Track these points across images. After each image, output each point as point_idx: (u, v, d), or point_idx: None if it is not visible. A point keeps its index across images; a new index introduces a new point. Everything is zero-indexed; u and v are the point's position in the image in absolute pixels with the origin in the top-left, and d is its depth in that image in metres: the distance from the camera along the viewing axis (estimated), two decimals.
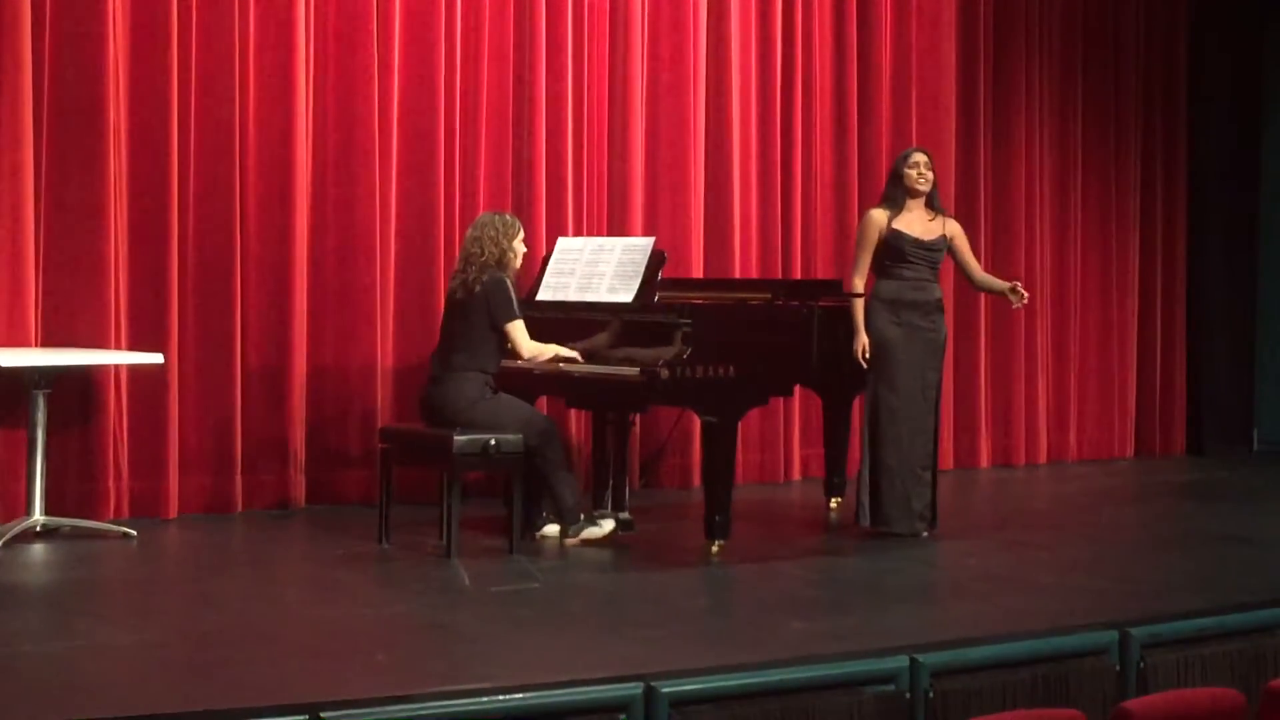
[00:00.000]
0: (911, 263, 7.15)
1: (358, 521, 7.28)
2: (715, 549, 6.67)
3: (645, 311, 6.86)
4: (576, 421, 8.42)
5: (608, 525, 6.95)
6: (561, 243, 7.55)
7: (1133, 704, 4.01)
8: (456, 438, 6.48)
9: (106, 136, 7.19)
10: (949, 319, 7.98)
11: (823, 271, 9.33)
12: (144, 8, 7.37)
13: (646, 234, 8.36)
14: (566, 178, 8.50)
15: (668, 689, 4.47)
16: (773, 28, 9.26)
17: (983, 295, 9.82)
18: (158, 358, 7.03)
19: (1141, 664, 5.17)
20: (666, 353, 6.55)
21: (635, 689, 4.45)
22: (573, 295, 7.17)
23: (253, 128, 7.67)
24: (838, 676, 4.76)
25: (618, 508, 7.21)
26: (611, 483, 7.28)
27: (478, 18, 8.26)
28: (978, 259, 7.65)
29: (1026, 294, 7.37)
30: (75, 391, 7.16)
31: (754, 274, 9.13)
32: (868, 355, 7.13)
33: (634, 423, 7.73)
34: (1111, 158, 10.80)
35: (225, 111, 7.57)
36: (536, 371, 6.91)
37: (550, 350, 6.81)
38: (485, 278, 6.71)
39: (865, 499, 7.18)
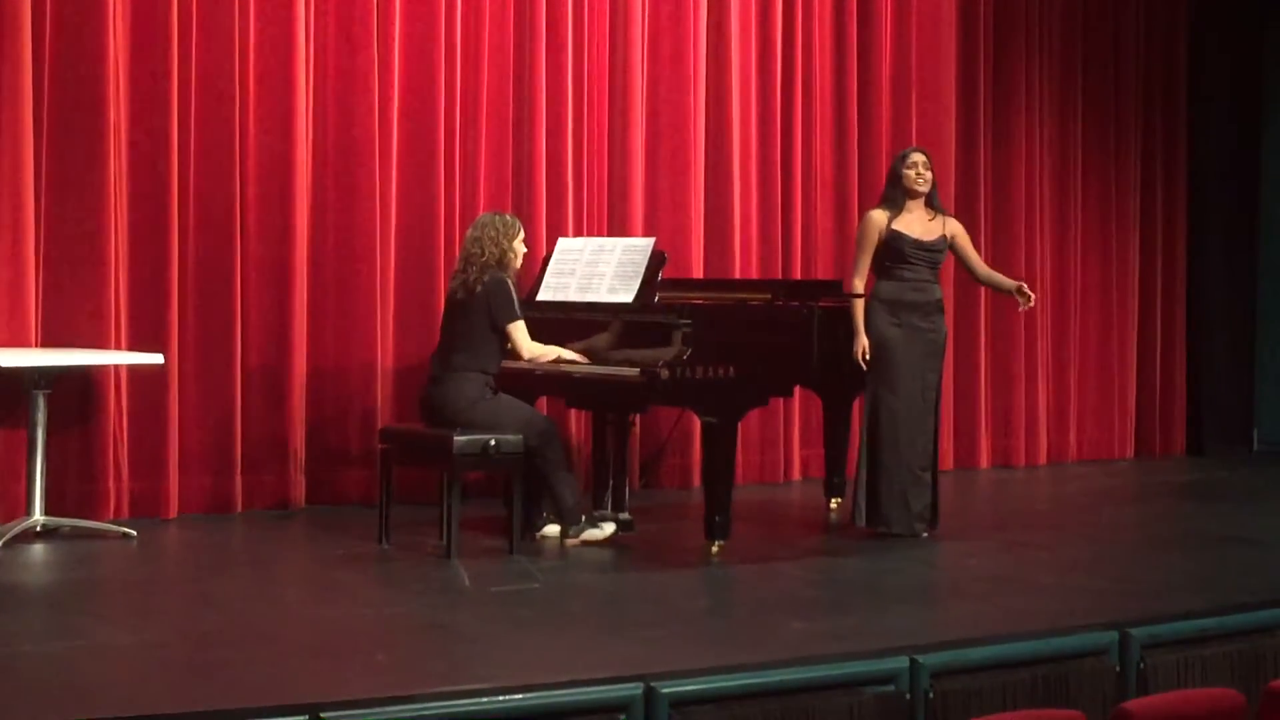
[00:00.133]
0: (911, 264, 7.14)
1: (358, 522, 7.28)
2: (715, 549, 6.67)
3: (645, 312, 6.86)
4: (576, 422, 8.42)
5: (608, 528, 6.94)
6: (562, 243, 7.55)
7: (1133, 704, 4.01)
8: (456, 438, 6.48)
9: (106, 137, 7.20)
10: (949, 319, 7.99)
11: (823, 272, 9.33)
12: (144, 8, 7.37)
13: (647, 234, 8.36)
14: (567, 178, 8.50)
15: (668, 689, 4.47)
16: (773, 27, 9.26)
17: (983, 296, 9.84)
18: (158, 358, 7.04)
19: (1141, 664, 5.17)
20: (666, 353, 6.55)
21: (635, 689, 4.45)
22: (573, 295, 7.17)
23: (253, 128, 7.67)
24: (838, 677, 4.76)
25: (618, 508, 7.21)
26: (611, 483, 7.28)
27: (478, 18, 8.27)
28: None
29: (1033, 295, 7.36)
30: (75, 392, 7.16)
31: (754, 274, 9.13)
32: (868, 356, 7.13)
33: (634, 423, 7.73)
34: (1111, 158, 10.80)
35: (225, 112, 7.57)
36: (537, 372, 6.91)
37: (552, 352, 6.81)
38: (486, 278, 6.71)
39: (862, 500, 7.18)
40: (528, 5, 8.39)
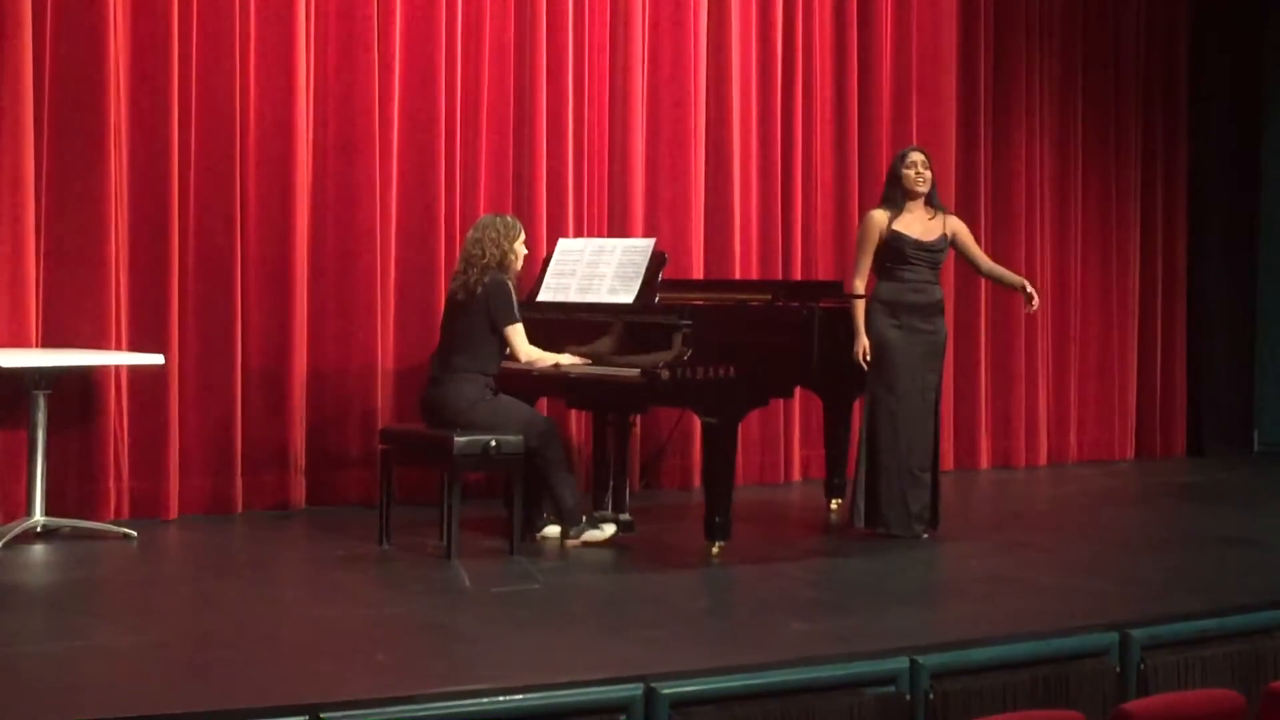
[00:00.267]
0: (912, 264, 7.14)
1: (358, 522, 7.28)
2: (716, 550, 6.67)
3: (646, 313, 6.86)
4: (577, 422, 8.42)
5: (609, 529, 6.94)
6: (562, 244, 7.55)
7: (1133, 705, 4.01)
8: (457, 439, 6.49)
9: (107, 137, 7.20)
10: (949, 320, 7.99)
11: (823, 272, 9.33)
12: (144, 8, 7.37)
13: (647, 235, 8.36)
14: (567, 179, 8.50)
15: (668, 690, 4.47)
16: (773, 27, 9.26)
17: (983, 298, 9.85)
18: (158, 358, 7.04)
19: (1142, 665, 5.17)
20: (667, 354, 6.55)
21: (635, 690, 4.45)
22: (573, 296, 7.17)
23: (253, 128, 7.67)
24: (838, 678, 4.76)
25: (618, 509, 7.21)
26: (612, 484, 7.28)
27: (478, 19, 8.27)
28: None
29: (1036, 296, 7.35)
30: (76, 392, 7.16)
31: (754, 275, 9.13)
32: (868, 357, 7.13)
33: (634, 424, 7.73)
34: (1112, 158, 10.80)
35: (225, 112, 7.57)
36: (536, 373, 6.91)
37: (550, 358, 6.80)
38: (486, 279, 6.71)
39: (861, 501, 7.18)
40: (528, 6, 8.39)
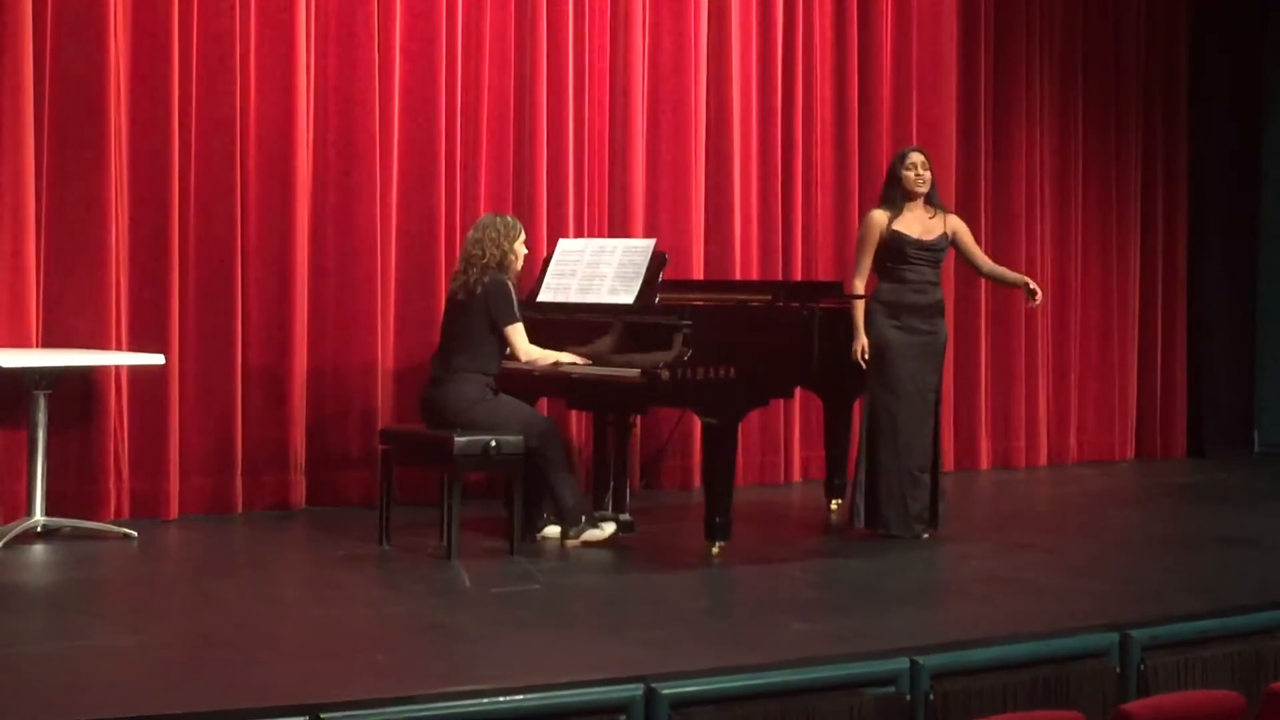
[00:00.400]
0: (913, 264, 7.14)
1: (358, 522, 7.28)
2: (716, 550, 6.67)
3: (646, 313, 6.87)
4: (577, 423, 8.42)
5: (609, 528, 6.94)
6: (562, 244, 7.55)
7: (1133, 706, 4.01)
8: (457, 439, 6.49)
9: (107, 137, 7.20)
10: (949, 321, 7.99)
11: (823, 273, 9.33)
12: (145, 8, 7.37)
13: (647, 235, 8.36)
14: (568, 179, 8.50)
15: (668, 690, 4.47)
16: (773, 28, 9.26)
17: (983, 298, 9.85)
18: (158, 358, 7.04)
19: (1142, 666, 5.17)
20: (667, 354, 6.55)
21: (636, 690, 4.45)
22: (574, 296, 7.17)
23: (253, 129, 7.67)
24: (838, 678, 4.76)
25: (618, 509, 7.21)
26: (612, 484, 7.28)
27: (479, 19, 8.27)
28: None
29: (1038, 289, 7.35)
30: (76, 392, 7.16)
31: (754, 275, 9.13)
32: (866, 357, 7.13)
33: (635, 424, 7.73)
34: (1112, 159, 10.80)
35: (226, 112, 7.57)
36: (537, 373, 6.91)
37: (550, 356, 6.80)
38: (486, 279, 6.71)
39: (861, 501, 7.18)
40: (529, 6, 8.39)
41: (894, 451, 7.12)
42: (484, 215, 7.21)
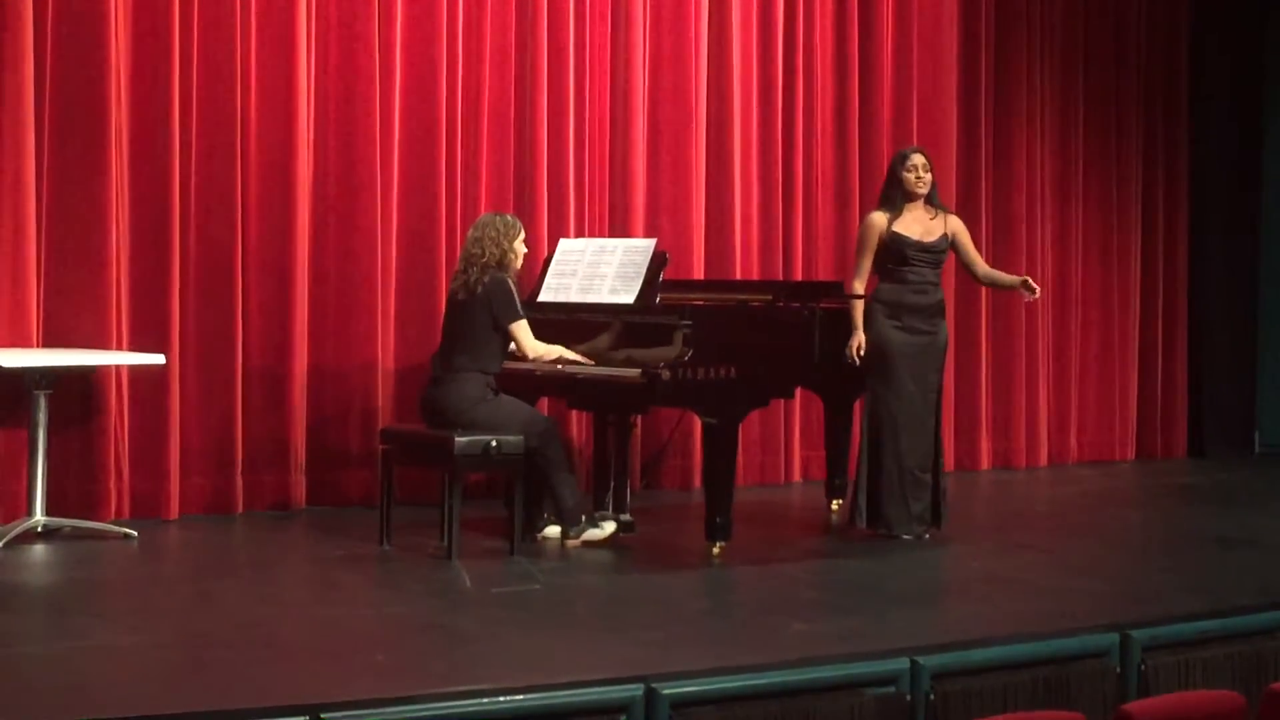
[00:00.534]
0: (914, 265, 7.14)
1: (358, 522, 7.28)
2: (716, 550, 6.67)
3: (647, 313, 6.86)
4: (577, 423, 8.42)
5: (609, 527, 6.94)
6: (563, 244, 7.55)
7: (1133, 706, 4.01)
8: (458, 439, 6.48)
9: (108, 137, 7.19)
10: (950, 321, 7.98)
11: (824, 273, 9.32)
12: (145, 8, 7.37)
13: (648, 235, 8.36)
14: (568, 179, 8.50)
15: (668, 690, 4.47)
16: (774, 28, 9.26)
17: (984, 298, 9.84)
18: (159, 358, 7.04)
19: (1142, 666, 5.17)
20: (668, 354, 6.55)
21: (636, 690, 4.45)
22: (574, 296, 7.17)
23: (254, 128, 7.67)
24: (839, 678, 4.76)
25: (619, 509, 7.21)
26: (613, 484, 7.28)
27: (479, 19, 8.27)
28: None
29: (1038, 286, 7.34)
30: (76, 392, 7.16)
31: (755, 275, 9.13)
32: (862, 353, 7.12)
33: (635, 424, 7.73)
34: (1112, 160, 10.80)
35: (226, 112, 7.57)
36: (538, 373, 6.91)
37: (555, 350, 6.81)
38: (487, 278, 6.71)
39: (863, 501, 7.18)
40: (529, 6, 8.39)
41: (895, 452, 7.12)
42: (483, 214, 7.22)
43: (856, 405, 7.82)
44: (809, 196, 9.43)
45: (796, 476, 9.36)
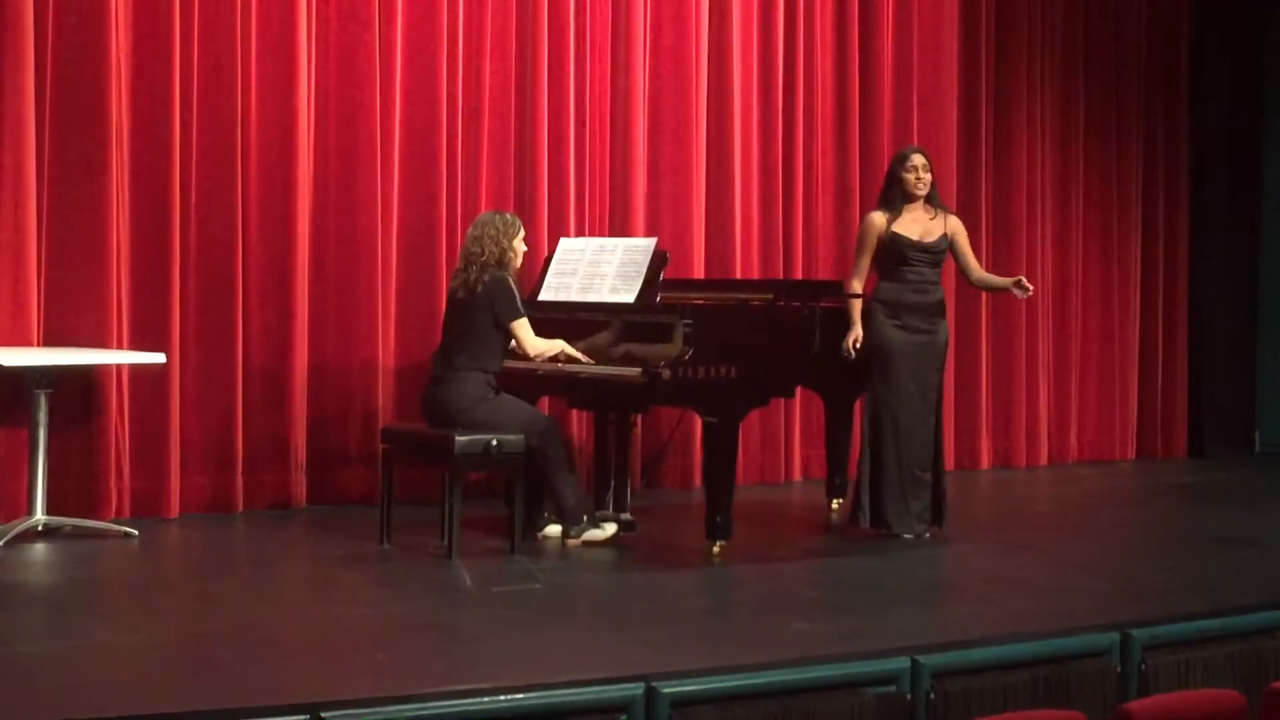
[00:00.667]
0: (913, 265, 7.14)
1: (359, 521, 7.28)
2: (717, 549, 6.67)
3: (647, 312, 6.87)
4: (578, 422, 8.42)
5: (610, 528, 6.94)
6: (564, 243, 7.55)
7: (1134, 705, 4.01)
8: (458, 438, 6.48)
9: (109, 136, 7.20)
10: (950, 320, 7.98)
11: (824, 272, 9.33)
12: (146, 8, 7.37)
13: (648, 234, 8.36)
14: (569, 178, 8.50)
15: (669, 689, 4.47)
16: (774, 27, 9.26)
17: (984, 297, 9.83)
18: (159, 357, 7.04)
19: (1143, 665, 5.17)
20: (668, 353, 6.55)
21: (636, 689, 4.44)
22: (575, 295, 7.17)
23: (255, 127, 7.68)
24: (839, 677, 4.75)
25: (619, 508, 7.21)
26: (613, 483, 7.28)
27: (480, 18, 8.27)
28: (978, 260, 7.62)
29: (1031, 286, 7.33)
30: (77, 391, 7.16)
31: (755, 274, 9.13)
32: (858, 347, 7.12)
33: (635, 423, 7.73)
34: (1113, 159, 10.80)
35: (227, 111, 7.57)
36: (539, 372, 6.92)
37: (556, 346, 6.81)
38: (487, 277, 6.71)
39: (865, 500, 7.18)
40: (530, 4, 8.39)
41: (896, 451, 7.12)
42: (483, 213, 7.22)
43: (857, 404, 7.82)
44: (809, 196, 9.43)
45: (797, 475, 9.36)
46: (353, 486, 7.91)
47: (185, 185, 7.47)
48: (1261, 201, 11.31)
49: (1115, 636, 5.21)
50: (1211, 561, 7.03)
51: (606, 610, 5.91)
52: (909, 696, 4.77)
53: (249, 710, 4.18)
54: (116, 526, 6.98)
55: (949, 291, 7.40)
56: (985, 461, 10.13)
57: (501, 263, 6.76)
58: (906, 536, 7.12)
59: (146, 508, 7.35)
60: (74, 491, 7.15)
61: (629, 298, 6.93)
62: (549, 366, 6.87)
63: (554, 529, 7.01)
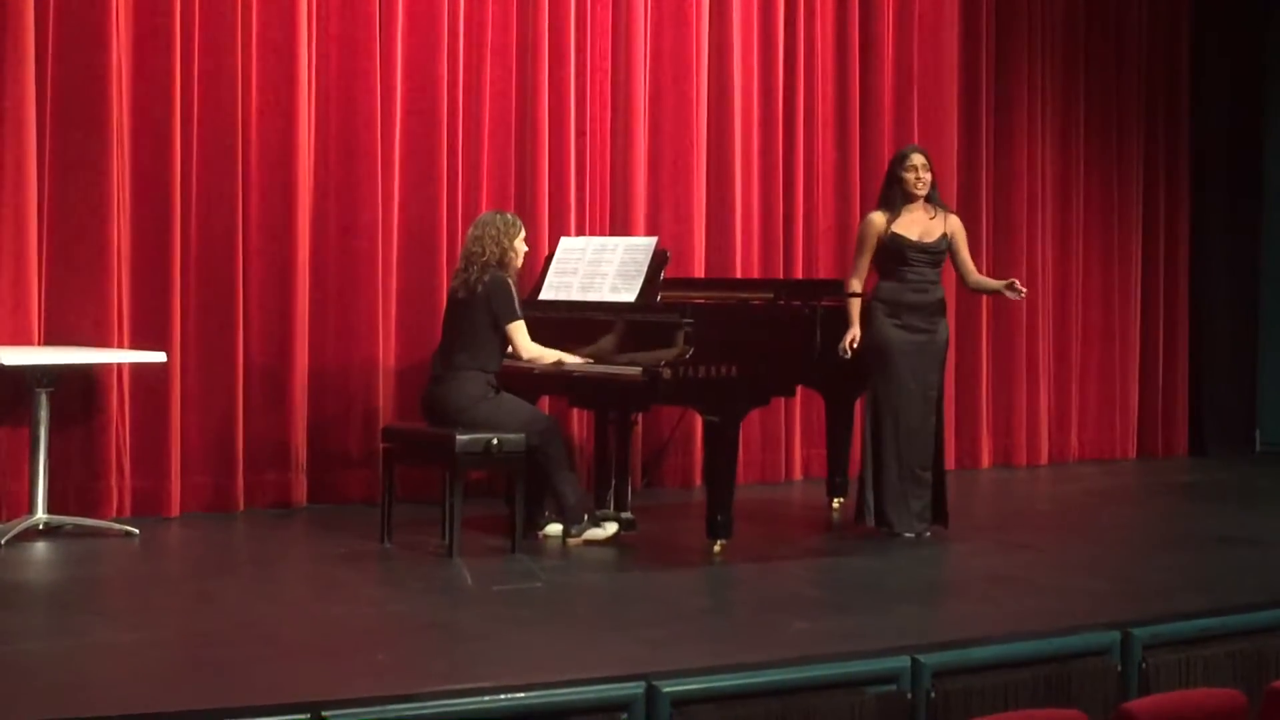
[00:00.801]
0: (913, 265, 7.14)
1: (360, 521, 7.28)
2: (717, 548, 6.67)
3: (648, 311, 6.87)
4: (579, 421, 8.42)
5: (611, 528, 6.94)
6: (564, 242, 7.55)
7: (1134, 704, 4.01)
8: (459, 437, 6.48)
9: (109, 135, 7.20)
10: (951, 320, 7.98)
11: (825, 271, 9.33)
12: (146, 7, 7.37)
13: (649, 234, 8.37)
14: (569, 177, 8.50)
15: (669, 688, 4.47)
16: (775, 26, 9.26)
17: (984, 296, 9.83)
18: (160, 356, 7.04)
19: (1143, 664, 5.17)
20: (669, 352, 6.55)
21: (637, 688, 4.45)
22: (575, 295, 7.17)
23: (255, 127, 7.68)
24: (839, 676, 4.75)
25: (620, 507, 7.21)
26: (614, 482, 7.27)
27: (481, 17, 8.27)
28: (979, 260, 7.62)
29: (1024, 289, 7.32)
30: (78, 390, 7.16)
31: (756, 274, 9.13)
32: (855, 347, 7.12)
33: (636, 422, 7.73)
34: (1114, 159, 10.80)
35: (228, 111, 7.57)
36: (538, 371, 6.91)
37: (552, 355, 6.80)
38: (487, 277, 6.71)
39: (870, 499, 7.18)
40: (530, 4, 8.39)
41: (896, 450, 7.12)
42: (484, 213, 7.22)
43: (857, 403, 7.82)
44: (810, 195, 9.43)
45: (797, 474, 9.36)
46: (353, 486, 7.92)
47: (186, 185, 7.47)
48: (1262, 201, 11.30)
49: (1116, 635, 5.21)
50: (1212, 560, 7.03)
51: (607, 609, 5.91)
52: (909, 695, 4.78)
53: (250, 709, 4.18)
54: (117, 525, 6.98)
55: (949, 291, 7.41)
56: (986, 460, 10.14)
57: (502, 263, 6.76)
58: (907, 535, 7.12)
59: (147, 507, 7.36)
60: (75, 490, 7.15)
61: (630, 297, 6.93)
62: (548, 366, 6.86)
63: (555, 528, 7.01)
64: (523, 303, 6.82)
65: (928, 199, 7.21)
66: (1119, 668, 5.16)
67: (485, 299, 6.70)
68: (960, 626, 5.43)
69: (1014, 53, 10.30)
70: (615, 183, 8.76)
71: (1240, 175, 11.24)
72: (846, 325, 7.16)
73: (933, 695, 4.79)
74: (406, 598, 5.95)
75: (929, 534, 7.18)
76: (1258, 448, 11.25)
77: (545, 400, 7.80)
